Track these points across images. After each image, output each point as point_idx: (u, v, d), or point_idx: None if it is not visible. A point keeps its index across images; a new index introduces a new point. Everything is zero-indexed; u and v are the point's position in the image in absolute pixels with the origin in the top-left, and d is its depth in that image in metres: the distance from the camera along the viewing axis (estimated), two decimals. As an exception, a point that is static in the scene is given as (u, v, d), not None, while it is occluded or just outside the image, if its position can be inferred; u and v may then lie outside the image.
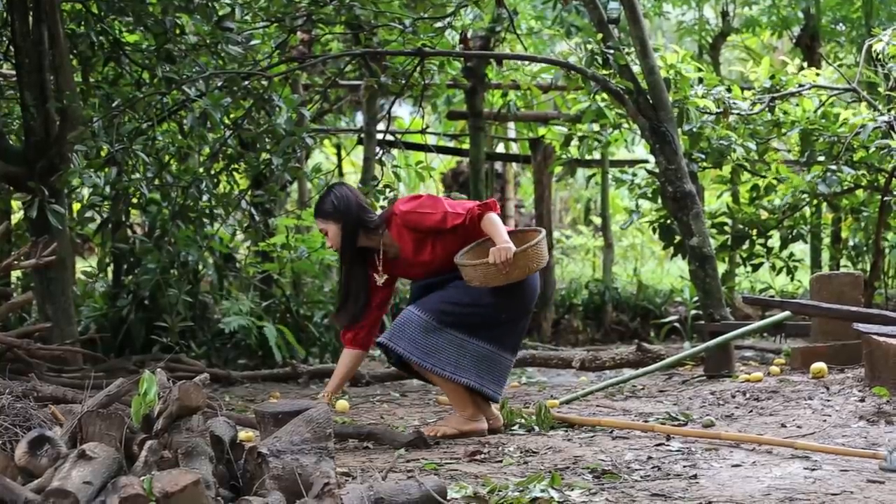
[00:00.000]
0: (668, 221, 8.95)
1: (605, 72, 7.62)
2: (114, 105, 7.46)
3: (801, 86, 8.79)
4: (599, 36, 7.62)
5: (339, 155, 14.99)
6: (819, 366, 6.45)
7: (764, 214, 9.67)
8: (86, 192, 7.76)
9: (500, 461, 4.50)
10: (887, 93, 8.32)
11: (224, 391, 7.39)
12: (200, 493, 2.90)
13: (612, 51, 7.54)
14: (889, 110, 8.14)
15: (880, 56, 8.28)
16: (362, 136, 11.33)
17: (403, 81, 8.30)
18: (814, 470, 4.05)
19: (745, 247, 9.66)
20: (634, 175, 9.29)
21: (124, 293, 8.44)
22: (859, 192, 9.27)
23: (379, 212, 5.52)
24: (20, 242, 8.04)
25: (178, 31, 7.65)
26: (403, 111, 15.80)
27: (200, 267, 8.62)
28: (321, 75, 10.97)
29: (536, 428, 5.29)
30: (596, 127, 8.78)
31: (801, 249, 11.74)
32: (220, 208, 8.08)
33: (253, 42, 7.95)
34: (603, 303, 12.39)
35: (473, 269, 5.08)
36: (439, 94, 12.76)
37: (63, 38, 7.13)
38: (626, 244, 17.20)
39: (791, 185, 9.17)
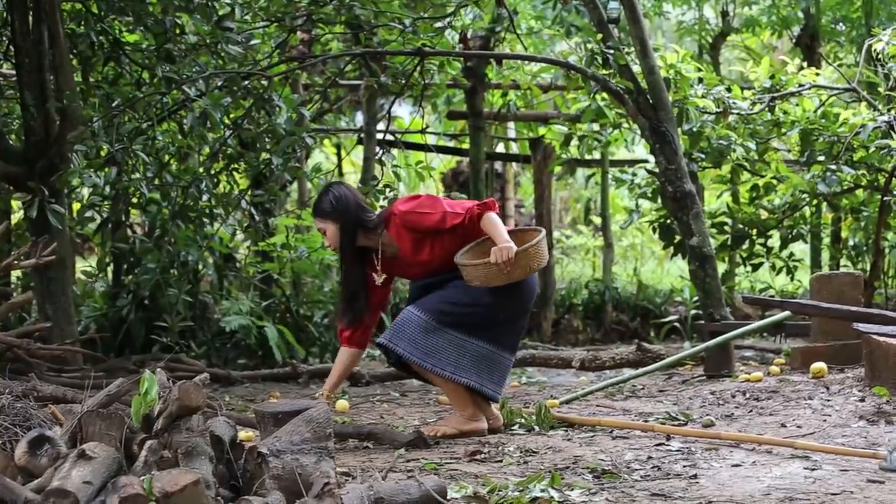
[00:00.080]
0: (668, 221, 8.95)
1: (604, 71, 7.62)
2: (114, 105, 7.46)
3: (800, 86, 8.80)
4: (599, 36, 7.62)
5: (339, 155, 14.99)
6: (819, 366, 6.45)
7: (764, 214, 9.67)
8: (86, 191, 7.76)
9: (500, 461, 4.50)
10: (887, 93, 8.32)
11: (224, 391, 7.39)
12: (200, 492, 2.90)
13: (611, 51, 7.54)
14: (889, 110, 8.14)
15: (880, 56, 8.28)
16: (362, 135, 11.34)
17: (403, 81, 8.29)
18: (814, 470, 4.05)
19: (744, 247, 9.67)
20: (634, 175, 9.30)
21: (124, 293, 8.44)
22: (859, 192, 9.27)
23: (378, 211, 5.51)
24: (20, 242, 8.05)
25: (177, 31, 7.65)
26: (403, 111, 15.80)
27: (200, 267, 8.62)
28: (321, 75, 10.97)
29: (536, 428, 5.29)
30: (596, 126, 8.78)
31: (800, 249, 11.74)
32: (220, 208, 8.08)
33: (253, 42, 7.95)
34: (603, 303, 12.39)
35: (474, 269, 5.08)
36: (439, 94, 12.76)
37: (63, 38, 7.13)
38: (626, 244, 17.20)
39: (791, 185, 9.17)
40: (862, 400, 5.52)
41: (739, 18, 13.65)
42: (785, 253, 9.79)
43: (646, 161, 9.90)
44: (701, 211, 7.70)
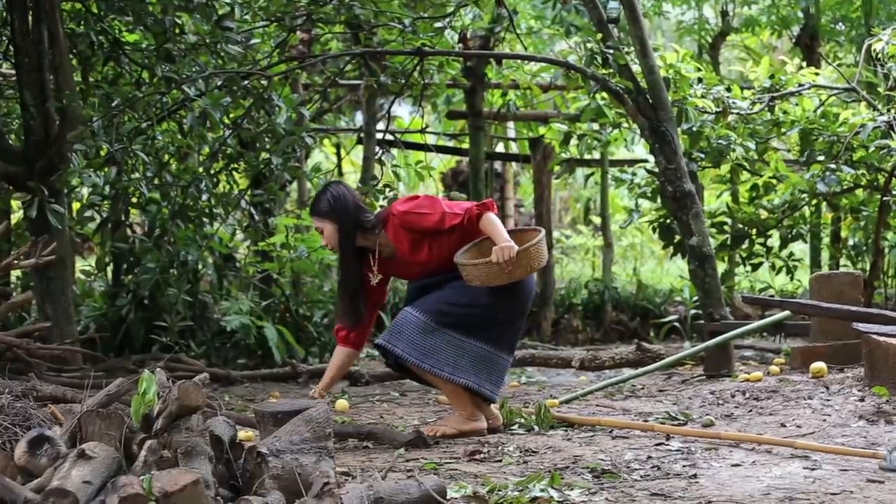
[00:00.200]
0: (668, 221, 8.95)
1: (604, 71, 7.62)
2: (113, 104, 7.46)
3: (800, 85, 8.80)
4: (599, 35, 7.62)
5: (338, 154, 15.00)
6: (819, 365, 6.45)
7: (763, 214, 9.67)
8: (85, 191, 7.76)
9: (500, 461, 4.50)
10: (887, 92, 8.32)
11: (224, 391, 7.39)
12: (200, 492, 2.90)
13: (611, 50, 7.54)
14: (888, 110, 8.14)
15: (880, 56, 8.28)
16: (362, 135, 11.34)
17: (403, 81, 8.29)
18: (813, 469, 4.05)
19: (744, 246, 9.67)
20: (634, 174, 9.30)
21: (124, 293, 8.44)
22: (859, 192, 9.28)
23: (376, 211, 5.50)
24: (20, 242, 8.04)
25: (177, 31, 7.65)
26: (403, 111, 15.80)
27: (200, 266, 8.62)
28: (321, 75, 10.97)
29: (536, 427, 5.29)
30: (595, 126, 8.78)
31: (800, 249, 11.74)
32: (220, 208, 8.08)
33: (252, 41, 7.95)
34: (602, 302, 12.39)
35: (475, 269, 5.07)
36: (439, 94, 12.77)
37: (63, 38, 7.12)
38: (626, 244, 17.21)
39: (790, 185, 9.18)
40: (862, 400, 5.52)
41: (739, 18, 13.65)
42: (784, 253, 9.79)
43: (645, 161, 9.90)
44: (700, 211, 7.70)
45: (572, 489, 3.79)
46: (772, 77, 8.88)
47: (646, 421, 5.36)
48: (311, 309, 9.31)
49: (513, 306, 5.26)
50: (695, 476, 4.00)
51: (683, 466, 4.20)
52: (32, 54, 7.05)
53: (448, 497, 3.43)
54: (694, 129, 8.17)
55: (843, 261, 10.78)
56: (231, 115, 7.89)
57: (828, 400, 5.66)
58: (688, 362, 7.61)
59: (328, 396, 5.57)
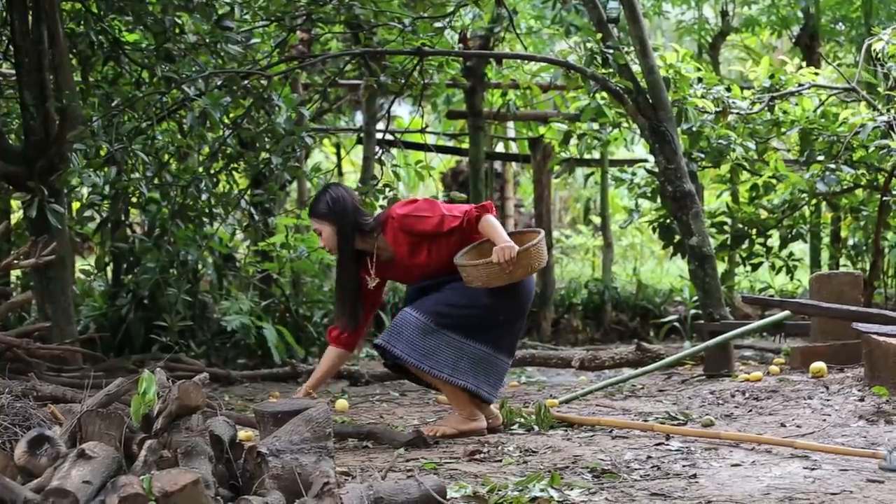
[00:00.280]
0: (668, 221, 8.95)
1: (604, 71, 7.62)
2: (113, 104, 7.46)
3: (800, 85, 8.80)
4: (599, 35, 7.62)
5: (338, 154, 15.00)
6: (818, 365, 6.45)
7: (763, 214, 9.67)
8: (85, 191, 7.76)
9: (500, 460, 4.50)
10: (887, 92, 8.32)
11: (223, 391, 7.39)
12: (200, 492, 2.90)
13: (611, 50, 7.54)
14: (888, 110, 8.14)
15: (880, 55, 8.28)
16: (362, 135, 11.34)
17: (403, 81, 8.29)
18: (813, 469, 4.05)
19: (744, 246, 9.67)
20: (634, 174, 9.30)
21: (124, 292, 8.44)
22: (859, 192, 9.28)
23: (375, 214, 5.49)
24: (20, 242, 8.04)
25: (177, 31, 7.65)
26: (403, 110, 15.80)
27: (200, 266, 8.62)
28: (321, 74, 10.97)
29: (536, 427, 5.29)
30: (595, 125, 8.78)
31: (800, 249, 11.74)
32: (220, 207, 8.08)
33: (252, 41, 7.95)
34: (602, 302, 12.40)
35: (475, 270, 5.07)
36: (439, 94, 12.77)
37: (63, 38, 7.12)
38: (626, 244, 17.21)
39: (790, 184, 9.18)
40: (861, 399, 5.52)
41: (739, 18, 13.65)
42: (784, 252, 9.79)
43: (645, 161, 9.90)
44: (700, 210, 7.70)
45: (572, 489, 3.79)
46: (772, 77, 8.88)
47: (646, 421, 5.36)
48: (310, 309, 9.31)
49: (513, 307, 5.26)
50: (695, 476, 4.00)
51: (683, 466, 4.20)
52: (32, 54, 7.04)
53: (448, 497, 3.43)
54: (694, 128, 8.17)
55: (842, 261, 10.78)
56: (231, 115, 7.89)
57: (828, 400, 5.66)
58: (688, 362, 7.61)
59: (328, 397, 5.57)
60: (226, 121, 7.80)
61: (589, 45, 7.62)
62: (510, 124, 14.57)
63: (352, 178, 14.15)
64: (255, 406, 4.04)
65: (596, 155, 12.15)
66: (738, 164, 9.25)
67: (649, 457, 4.42)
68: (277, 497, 3.12)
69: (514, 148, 15.57)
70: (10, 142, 7.56)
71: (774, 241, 9.96)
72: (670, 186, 7.55)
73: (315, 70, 10.62)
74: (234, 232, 9.64)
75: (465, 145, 13.17)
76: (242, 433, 4.69)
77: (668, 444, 4.70)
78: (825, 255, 11.32)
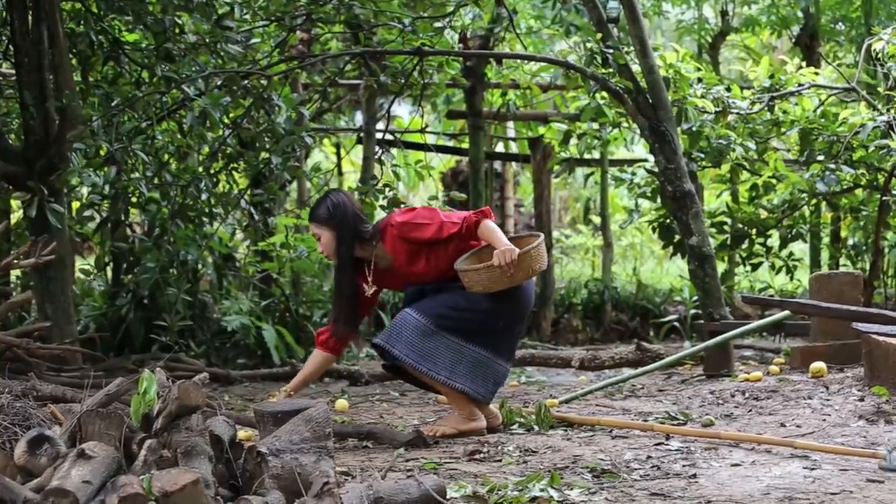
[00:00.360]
0: (668, 221, 8.95)
1: (604, 71, 7.62)
2: (113, 104, 7.46)
3: (800, 85, 8.80)
4: (599, 35, 7.62)
5: (338, 154, 15.00)
6: (818, 365, 6.45)
7: (763, 214, 9.68)
8: (85, 191, 7.77)
9: (500, 460, 4.50)
10: (886, 92, 8.32)
11: (223, 390, 7.39)
12: (200, 492, 2.90)
13: (611, 50, 7.54)
14: (888, 110, 8.14)
15: (879, 55, 8.28)
16: (362, 135, 11.34)
17: (403, 81, 8.29)
18: (813, 469, 4.05)
19: (744, 246, 9.67)
20: (634, 174, 9.30)
21: (123, 292, 8.44)
22: (858, 192, 9.28)
23: (374, 222, 5.46)
24: (20, 241, 8.04)
25: (177, 30, 7.65)
26: (403, 110, 15.80)
27: (200, 266, 8.62)
28: (321, 74, 10.97)
29: (536, 427, 5.29)
30: (595, 125, 8.78)
31: (800, 249, 11.74)
32: (220, 207, 8.08)
33: (252, 41, 7.96)
34: (602, 302, 12.40)
35: (476, 274, 5.06)
36: (439, 94, 12.77)
37: (62, 38, 7.12)
38: (626, 243, 17.21)
39: (790, 184, 9.18)
40: (861, 399, 5.52)
41: (739, 18, 13.65)
42: (784, 252, 9.79)
43: (645, 160, 9.90)
44: (700, 210, 7.70)
45: (572, 489, 3.79)
46: (771, 77, 8.88)
47: (645, 421, 5.36)
48: (310, 309, 9.31)
49: (513, 312, 5.25)
50: (694, 476, 4.00)
51: (683, 466, 4.20)
52: (32, 54, 7.04)
53: (448, 497, 3.43)
54: (694, 128, 8.18)
55: (842, 260, 10.78)
56: (231, 115, 7.89)
57: (827, 400, 5.66)
58: (687, 362, 7.61)
59: (327, 397, 5.56)
60: (226, 120, 7.80)
61: (589, 44, 7.62)
62: (510, 124, 14.57)
63: (352, 178, 14.15)
64: (254, 406, 4.04)
65: (596, 155, 12.15)
66: (738, 163, 9.26)
67: (649, 457, 4.42)
68: (277, 497, 3.12)
69: (513, 148, 15.57)
70: (10, 141, 7.56)
71: (774, 240, 9.96)
72: (670, 186, 7.55)
73: (315, 70, 10.62)
74: (233, 232, 9.64)
75: (465, 145, 13.17)
76: (242, 433, 4.69)
77: (667, 444, 4.70)
78: (825, 255, 11.32)
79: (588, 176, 12.47)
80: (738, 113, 8.54)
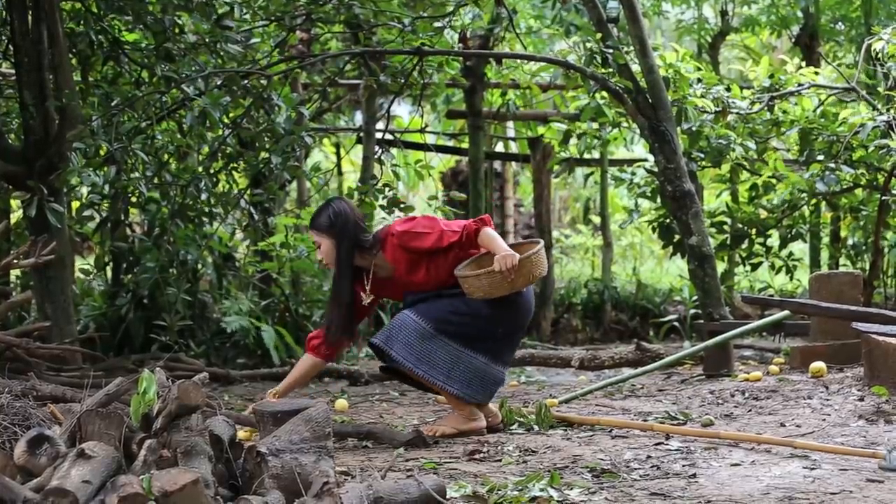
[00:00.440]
0: (668, 220, 8.95)
1: (604, 71, 7.62)
2: (113, 104, 7.46)
3: (800, 85, 8.80)
4: (598, 35, 7.62)
5: (338, 154, 14.99)
6: (818, 365, 6.45)
7: (763, 213, 9.67)
8: (85, 190, 7.76)
9: (500, 460, 4.50)
10: (886, 92, 8.32)
11: (223, 390, 7.39)
12: (199, 492, 2.90)
13: (611, 50, 7.54)
14: (888, 109, 8.14)
15: (879, 55, 8.28)
16: (361, 134, 11.33)
17: (402, 80, 8.29)
18: (813, 469, 4.05)
19: (744, 246, 9.67)
20: (633, 174, 9.30)
21: (123, 292, 8.44)
22: (858, 192, 9.28)
23: (374, 231, 5.44)
24: (19, 241, 8.04)
25: (177, 30, 7.65)
26: (403, 110, 15.80)
27: (199, 266, 8.63)
28: (320, 74, 10.97)
29: (535, 427, 5.29)
30: (595, 125, 8.78)
31: (800, 248, 11.74)
32: (220, 207, 8.08)
33: (252, 41, 7.96)
34: (602, 302, 12.40)
35: (477, 280, 5.05)
36: (438, 93, 12.76)
37: (62, 37, 7.12)
38: (626, 243, 17.21)
39: (790, 184, 9.18)
40: (861, 399, 5.52)
41: (739, 18, 13.65)
42: (784, 252, 9.79)
43: (645, 160, 9.90)
44: (700, 210, 7.70)
45: (572, 489, 3.79)
46: (771, 77, 8.88)
47: (645, 420, 5.36)
48: (310, 308, 9.31)
49: (513, 319, 5.25)
50: (694, 476, 4.00)
51: (683, 466, 4.20)
52: (32, 54, 7.04)
53: (448, 497, 3.43)
54: (693, 128, 8.17)
55: (842, 260, 10.78)
56: (230, 115, 7.89)
57: (827, 399, 5.66)
58: (687, 362, 7.61)
59: (327, 397, 5.55)
60: (225, 120, 7.80)
61: (589, 44, 7.62)
62: (510, 124, 14.57)
63: (351, 178, 14.14)
64: (254, 406, 4.04)
65: (595, 155, 12.15)
66: (738, 163, 9.25)
67: (649, 456, 4.42)
68: (277, 497, 3.12)
69: (513, 148, 15.57)
70: (10, 141, 7.56)
71: (774, 240, 9.96)
72: (670, 186, 7.55)
73: (315, 70, 10.62)
74: (233, 231, 9.64)
75: (465, 145, 13.17)
76: (242, 433, 4.69)
77: (667, 444, 4.70)
78: (825, 255, 11.32)
79: (588, 176, 12.47)
80: (737, 113, 8.54)
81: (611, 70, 7.60)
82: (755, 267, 9.90)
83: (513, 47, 11.48)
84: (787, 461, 4.21)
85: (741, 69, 13.29)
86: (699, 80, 8.48)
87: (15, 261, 6.24)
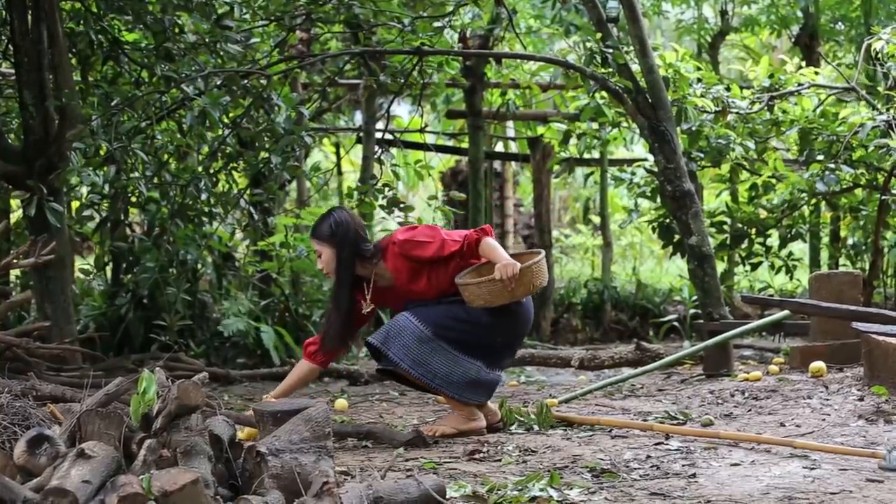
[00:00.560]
0: (667, 220, 8.95)
1: (603, 70, 7.62)
2: (113, 104, 7.46)
3: (799, 85, 8.80)
4: (598, 35, 7.62)
5: (338, 154, 14.99)
6: (818, 365, 6.45)
7: (763, 213, 9.67)
8: (84, 190, 7.76)
9: (499, 460, 4.50)
10: (886, 92, 8.32)
11: (223, 390, 7.39)
12: (199, 491, 2.90)
13: (610, 49, 7.54)
14: (888, 109, 8.14)
15: (879, 55, 8.28)
16: (361, 134, 11.34)
17: (402, 80, 8.29)
18: (813, 469, 4.05)
19: (743, 246, 9.67)
20: (633, 174, 9.30)
21: (123, 292, 8.44)
22: (858, 191, 9.28)
23: (376, 241, 5.43)
24: (19, 241, 8.04)
25: (177, 30, 7.65)
26: (402, 110, 15.80)
27: (199, 266, 8.62)
28: (320, 74, 10.97)
29: (535, 427, 5.29)
30: (594, 125, 8.78)
31: (800, 248, 11.74)
32: (219, 207, 8.08)
33: (252, 41, 7.96)
34: (602, 302, 12.40)
35: (478, 288, 5.05)
36: (438, 93, 12.76)
37: (62, 37, 7.12)
38: (625, 243, 17.21)
39: (789, 184, 9.18)
40: (861, 399, 5.52)
41: (738, 17, 13.65)
42: (784, 252, 9.79)
43: (645, 160, 9.90)
44: (700, 210, 7.70)
45: (571, 488, 3.79)
46: (771, 76, 8.88)
47: (645, 420, 5.36)
48: (310, 308, 9.31)
49: (512, 329, 5.25)
50: (694, 475, 4.00)
51: (683, 466, 4.20)
52: (32, 53, 7.04)
53: (447, 496, 3.43)
54: (693, 128, 8.17)
55: (842, 260, 10.78)
56: (230, 115, 7.89)
57: (827, 399, 5.66)
58: (687, 362, 7.61)
59: (327, 396, 5.55)
60: (225, 120, 7.80)
61: (588, 44, 7.62)
62: (510, 124, 14.56)
63: (351, 178, 14.15)
64: (254, 405, 4.04)
65: (595, 154, 12.15)
66: (738, 163, 9.25)
67: (649, 456, 4.42)
68: (277, 496, 3.12)
69: (513, 147, 15.57)
70: (10, 141, 7.55)
71: (774, 240, 9.96)
72: (670, 186, 7.55)
73: (315, 70, 10.62)
74: (233, 231, 9.64)
75: (465, 145, 13.16)
76: (241, 432, 4.68)
77: (667, 444, 4.70)
78: (825, 255, 11.32)
79: (588, 175, 12.46)
80: (737, 112, 8.54)
81: (611, 70, 7.60)
82: (755, 267, 9.90)
83: (512, 47, 11.49)
84: (787, 461, 4.21)
85: (741, 69, 13.29)
86: (699, 80, 8.48)
87: (15, 260, 6.24)
